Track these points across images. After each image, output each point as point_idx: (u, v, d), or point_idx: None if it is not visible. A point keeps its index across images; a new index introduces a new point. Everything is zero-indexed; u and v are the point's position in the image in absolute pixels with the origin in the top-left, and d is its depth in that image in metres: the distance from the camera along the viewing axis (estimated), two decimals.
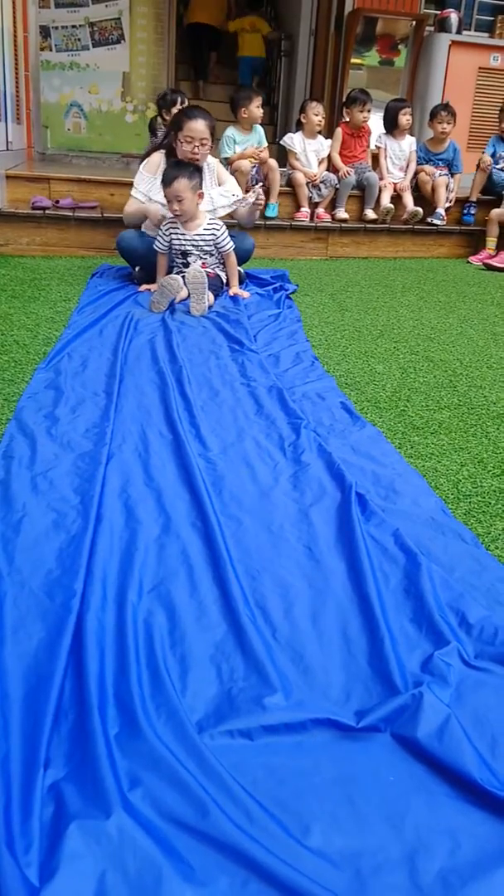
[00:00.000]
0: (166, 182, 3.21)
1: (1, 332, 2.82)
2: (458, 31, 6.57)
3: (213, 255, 3.47)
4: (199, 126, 3.39)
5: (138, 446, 1.91)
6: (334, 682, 1.14)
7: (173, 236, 3.39)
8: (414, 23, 6.50)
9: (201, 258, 3.40)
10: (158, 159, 3.58)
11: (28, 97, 5.64)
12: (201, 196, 3.34)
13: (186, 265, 3.35)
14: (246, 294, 3.58)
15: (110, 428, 1.96)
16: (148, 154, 3.67)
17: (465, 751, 0.99)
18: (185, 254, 3.39)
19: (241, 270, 3.85)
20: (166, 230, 3.39)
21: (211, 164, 3.69)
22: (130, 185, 3.73)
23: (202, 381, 2.43)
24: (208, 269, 3.38)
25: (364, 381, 2.61)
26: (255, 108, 4.61)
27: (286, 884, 0.80)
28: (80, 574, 1.32)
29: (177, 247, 3.40)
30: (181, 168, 3.24)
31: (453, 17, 6.53)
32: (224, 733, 1.03)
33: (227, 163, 4.63)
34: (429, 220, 5.26)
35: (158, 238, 3.42)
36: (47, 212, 4.26)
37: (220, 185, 3.71)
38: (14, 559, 1.39)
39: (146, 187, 3.59)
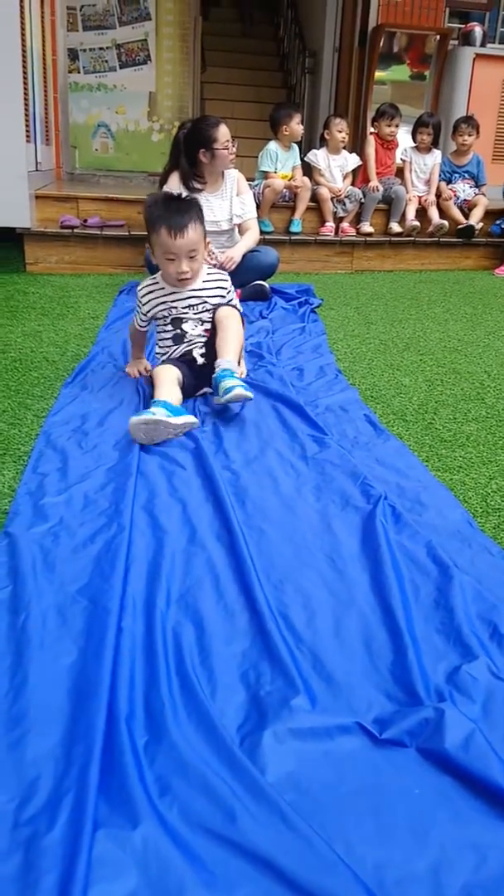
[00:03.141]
0: (175, 226, 2.20)
1: (31, 349, 2.86)
2: (483, 45, 6.58)
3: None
4: (226, 130, 3.56)
5: (163, 459, 1.92)
6: (357, 692, 1.14)
7: (157, 303, 2.38)
8: (438, 37, 6.52)
9: (203, 323, 2.39)
10: (177, 177, 3.64)
11: (57, 118, 5.74)
12: (209, 245, 2.50)
13: (181, 336, 2.38)
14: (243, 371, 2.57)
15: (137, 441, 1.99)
16: (165, 175, 3.73)
17: (492, 763, 0.98)
18: (176, 321, 2.39)
19: (267, 285, 3.88)
20: (145, 297, 2.39)
21: (234, 175, 3.74)
22: None
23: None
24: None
25: (390, 394, 2.61)
26: (296, 125, 4.67)
27: (308, 894, 0.80)
28: (117, 585, 1.35)
29: (163, 314, 2.39)
30: (185, 207, 2.26)
31: (477, 30, 6.54)
32: (252, 738, 1.04)
33: (265, 176, 4.69)
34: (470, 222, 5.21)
35: (136, 313, 2.44)
36: (76, 231, 4.33)
37: (237, 196, 3.76)
38: (55, 569, 1.42)
39: None
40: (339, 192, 4.97)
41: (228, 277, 2.48)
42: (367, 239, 5.06)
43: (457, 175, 5.41)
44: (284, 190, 4.76)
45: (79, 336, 3.11)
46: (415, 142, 5.30)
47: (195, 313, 2.38)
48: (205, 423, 2.20)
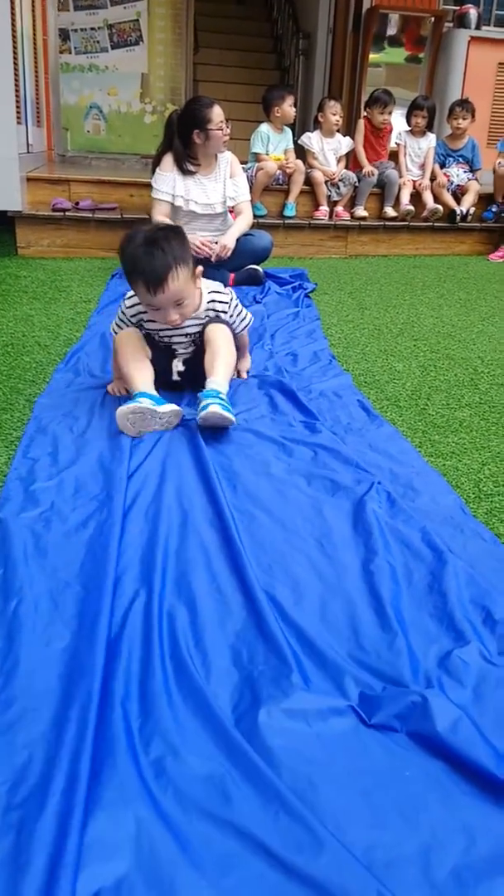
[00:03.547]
0: (152, 281, 1.92)
1: (22, 334, 2.85)
2: (478, 27, 6.53)
3: None
4: (220, 110, 3.52)
5: (155, 444, 1.92)
6: (348, 674, 1.14)
7: (144, 323, 2.16)
8: (433, 19, 6.47)
9: (194, 344, 2.21)
10: (171, 159, 3.61)
11: (48, 100, 5.68)
12: (199, 276, 2.08)
13: (171, 357, 2.20)
14: (245, 375, 2.47)
15: None
16: (158, 157, 3.70)
17: (480, 748, 0.98)
18: (169, 348, 2.20)
19: (260, 270, 3.86)
20: (131, 308, 2.14)
21: (227, 157, 3.72)
22: (150, 186, 3.75)
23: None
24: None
25: (384, 380, 2.60)
26: (288, 108, 4.63)
27: (301, 876, 0.81)
28: (109, 569, 1.35)
29: (154, 337, 2.19)
30: (162, 250, 1.92)
31: (472, 12, 6.49)
32: (246, 719, 1.05)
33: (256, 158, 4.66)
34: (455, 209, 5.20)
35: (117, 320, 2.19)
36: (67, 213, 4.29)
37: (231, 178, 3.73)
38: (47, 554, 1.42)
39: (168, 186, 3.61)
40: (334, 176, 4.94)
41: (229, 295, 2.20)
42: (362, 223, 5.04)
43: (451, 159, 5.38)
44: (278, 172, 4.73)
45: (71, 320, 3.09)
46: (409, 125, 5.27)
47: (190, 340, 2.18)
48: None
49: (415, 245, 5.25)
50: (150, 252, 1.92)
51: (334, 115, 4.91)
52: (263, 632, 1.22)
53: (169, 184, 3.62)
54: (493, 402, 2.43)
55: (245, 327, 2.29)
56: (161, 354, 2.17)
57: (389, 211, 5.14)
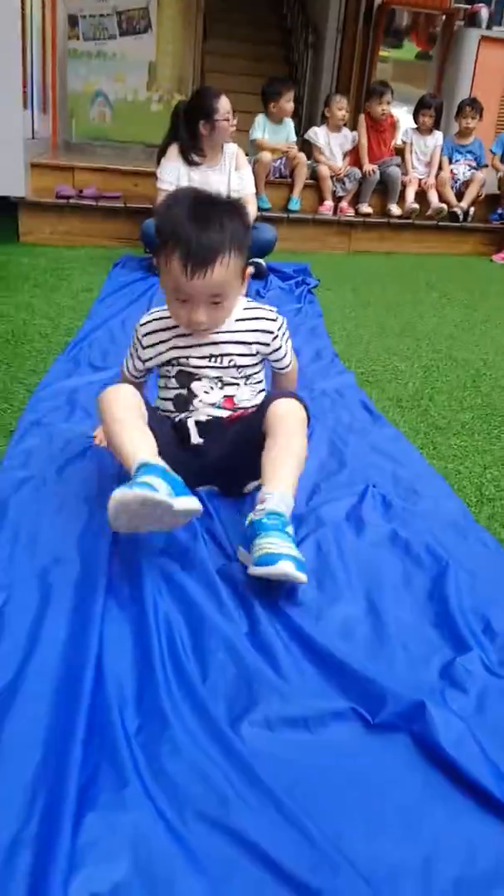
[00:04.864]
0: (194, 256, 1.37)
1: (23, 322, 2.82)
2: (489, 27, 6.50)
3: (249, 375, 1.60)
4: (226, 101, 3.53)
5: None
6: (349, 679, 1.12)
7: (161, 349, 1.57)
8: (444, 17, 6.44)
9: (223, 386, 1.58)
10: (176, 149, 3.60)
11: (54, 86, 5.62)
12: (246, 279, 1.51)
13: (185, 399, 1.58)
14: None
15: None
16: (164, 147, 3.68)
17: (481, 761, 0.97)
18: (184, 376, 1.57)
19: (263, 263, 3.83)
20: (147, 336, 1.58)
21: (233, 150, 3.70)
22: (154, 175, 3.73)
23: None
24: (238, 404, 1.58)
25: (386, 379, 2.59)
26: (285, 103, 4.59)
27: (299, 884, 0.80)
28: (103, 564, 1.33)
29: (170, 363, 1.58)
30: (223, 223, 1.39)
31: (484, 11, 6.45)
32: (242, 724, 1.03)
33: (254, 145, 4.62)
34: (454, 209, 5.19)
35: (129, 356, 1.64)
36: (71, 201, 4.26)
37: (236, 170, 3.72)
38: (38, 546, 1.40)
39: (173, 176, 3.60)
40: (340, 171, 4.92)
41: (278, 317, 1.61)
42: (366, 220, 5.01)
43: (459, 154, 5.35)
44: (278, 160, 4.69)
45: (72, 309, 3.07)
46: (416, 123, 5.24)
47: (214, 369, 1.56)
48: None
49: (419, 243, 5.23)
50: (204, 219, 1.38)
51: (340, 109, 4.89)
52: (261, 637, 1.20)
53: (173, 174, 3.60)
54: (494, 405, 2.42)
55: (294, 364, 1.71)
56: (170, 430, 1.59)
57: (394, 209, 5.12)
